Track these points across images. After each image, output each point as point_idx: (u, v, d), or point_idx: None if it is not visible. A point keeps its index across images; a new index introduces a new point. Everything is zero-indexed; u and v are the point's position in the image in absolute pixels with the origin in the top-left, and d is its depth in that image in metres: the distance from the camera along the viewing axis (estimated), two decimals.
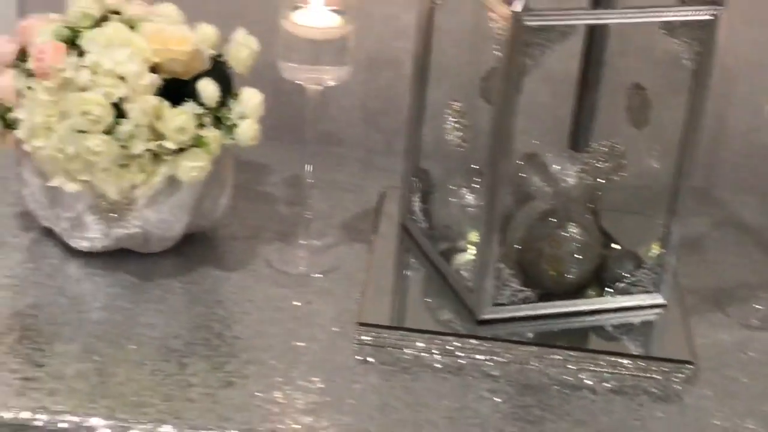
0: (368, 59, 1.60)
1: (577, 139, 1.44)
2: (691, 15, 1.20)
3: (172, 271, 1.35)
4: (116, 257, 1.35)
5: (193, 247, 1.38)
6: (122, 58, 1.25)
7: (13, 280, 1.30)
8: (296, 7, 1.29)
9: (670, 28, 1.20)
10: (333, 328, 1.27)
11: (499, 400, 1.18)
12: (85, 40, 1.27)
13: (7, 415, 1.10)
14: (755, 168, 1.63)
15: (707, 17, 1.20)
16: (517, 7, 1.13)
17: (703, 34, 1.20)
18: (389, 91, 1.63)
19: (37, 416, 1.10)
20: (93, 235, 1.32)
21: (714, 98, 1.53)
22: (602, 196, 1.39)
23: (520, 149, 1.33)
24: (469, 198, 1.34)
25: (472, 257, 1.30)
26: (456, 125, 1.29)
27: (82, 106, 1.23)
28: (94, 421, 1.10)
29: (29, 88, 1.27)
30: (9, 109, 1.29)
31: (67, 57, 1.25)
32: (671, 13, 1.20)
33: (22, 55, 1.29)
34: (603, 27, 1.36)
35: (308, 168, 1.38)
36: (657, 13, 1.20)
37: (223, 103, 1.30)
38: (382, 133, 1.66)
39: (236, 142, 1.30)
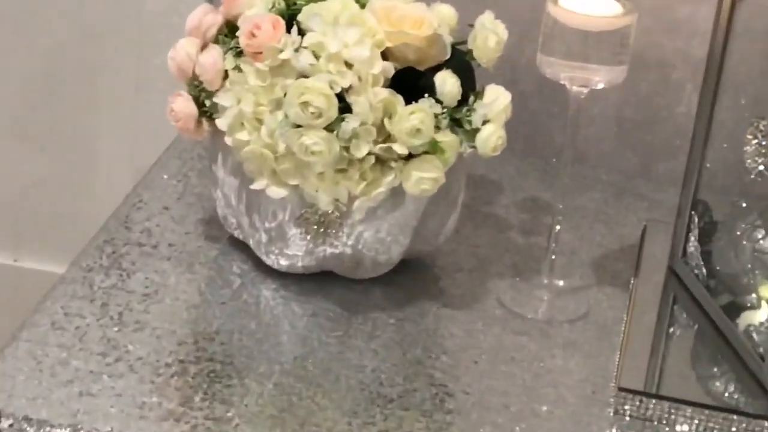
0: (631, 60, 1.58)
1: None
2: None
3: (385, 303, 1.35)
4: (318, 281, 1.35)
5: (410, 277, 1.39)
6: (351, 39, 1.24)
7: (196, 300, 1.32)
8: None
9: None
10: (582, 391, 1.25)
11: None
12: (307, 15, 1.27)
13: None
14: None
15: None
16: None
17: None
18: (651, 100, 1.62)
19: None
20: (294, 252, 1.32)
21: None
22: None
23: None
24: (766, 241, 1.33)
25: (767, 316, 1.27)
26: (761, 149, 1.26)
27: (300, 96, 1.22)
28: None
29: (237, 69, 1.27)
30: (210, 93, 1.29)
31: (284, 35, 1.25)
32: None
33: (229, 30, 1.30)
34: None
35: (560, 194, 1.36)
36: None
37: (463, 102, 1.29)
38: (639, 152, 1.65)
39: (476, 150, 1.29)
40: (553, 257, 1.39)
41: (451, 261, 1.43)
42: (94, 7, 1.76)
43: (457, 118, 1.28)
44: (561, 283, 1.40)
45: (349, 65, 1.24)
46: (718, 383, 1.27)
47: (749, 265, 1.33)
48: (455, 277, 1.40)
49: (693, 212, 1.38)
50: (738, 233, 1.35)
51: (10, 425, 1.12)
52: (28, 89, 1.84)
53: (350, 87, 1.23)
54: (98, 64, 1.79)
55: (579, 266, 1.45)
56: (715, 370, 1.30)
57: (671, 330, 1.38)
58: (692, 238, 1.38)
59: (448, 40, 1.30)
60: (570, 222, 1.50)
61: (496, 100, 1.29)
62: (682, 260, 1.40)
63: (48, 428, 1.11)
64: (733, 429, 1.21)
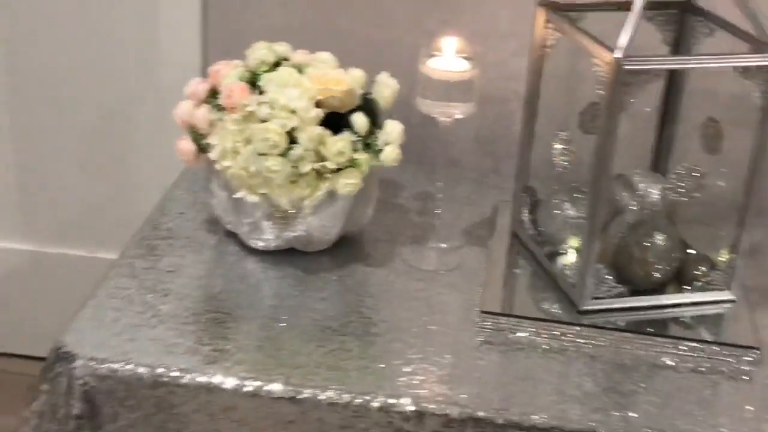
0: (480, 97, 1.55)
1: (659, 163, 1.41)
2: (765, 61, 1.15)
3: (329, 266, 1.32)
4: (285, 255, 1.33)
5: (345, 248, 1.36)
6: (294, 95, 1.23)
7: (204, 271, 1.30)
8: (432, 55, 1.27)
9: (745, 71, 1.15)
10: (460, 314, 1.24)
11: (597, 376, 1.15)
12: (264, 81, 1.26)
13: (202, 380, 1.09)
14: None
15: None
16: (619, 53, 1.11)
17: None
18: (497, 123, 1.59)
19: (227, 381, 1.09)
20: (267, 237, 1.30)
21: None
22: (679, 210, 1.34)
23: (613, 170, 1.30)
24: (571, 210, 1.32)
25: (574, 259, 1.26)
26: (563, 151, 1.25)
27: (262, 134, 1.22)
28: (273, 386, 1.09)
29: (220, 119, 1.26)
30: (203, 136, 1.28)
31: (249, 95, 1.24)
32: (748, 60, 1.16)
33: (213, 93, 1.28)
34: (682, 70, 1.33)
35: (438, 185, 1.35)
36: (736, 59, 1.16)
37: (371, 132, 1.28)
38: (492, 158, 1.61)
39: (382, 163, 1.28)
40: (438, 227, 1.38)
41: (372, 236, 1.40)
42: (133, 80, 1.74)
43: (367, 143, 1.27)
44: (443, 245, 1.38)
45: (293, 112, 1.23)
46: (545, 304, 1.27)
47: (561, 227, 1.32)
48: (375, 246, 1.38)
49: (524, 194, 1.37)
50: (553, 206, 1.34)
51: (82, 364, 1.10)
52: (91, 135, 1.82)
53: (295, 127, 1.23)
54: (135, 120, 1.77)
55: (454, 234, 1.43)
56: (544, 295, 1.28)
57: (516, 271, 1.36)
58: (525, 212, 1.37)
59: (359, 92, 1.30)
60: (448, 205, 1.46)
61: (392, 130, 1.28)
62: (520, 226, 1.38)
63: (107, 364, 1.10)
64: (555, 332, 1.21)
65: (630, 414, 1.09)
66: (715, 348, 1.19)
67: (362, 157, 1.25)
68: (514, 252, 1.37)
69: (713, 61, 1.18)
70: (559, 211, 1.32)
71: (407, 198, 1.52)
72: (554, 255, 1.31)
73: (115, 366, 1.10)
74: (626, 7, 1.12)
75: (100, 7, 1.70)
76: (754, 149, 1.20)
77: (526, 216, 1.37)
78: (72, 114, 1.79)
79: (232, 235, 1.35)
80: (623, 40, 1.10)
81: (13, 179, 1.87)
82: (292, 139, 1.22)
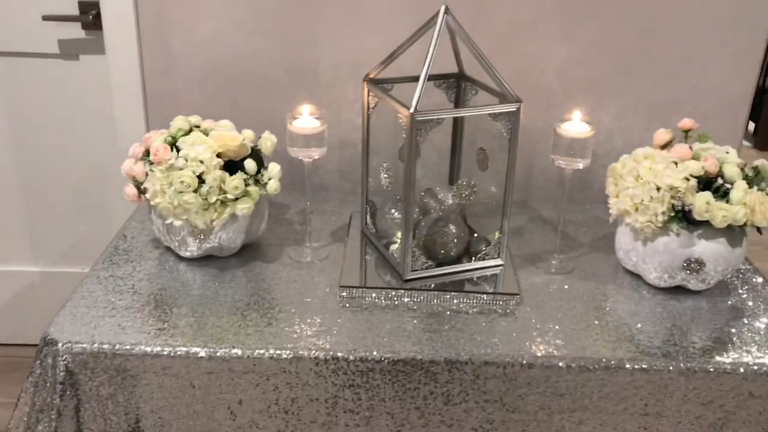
0: (339, 143, 1.57)
1: (452, 178, 1.42)
2: (506, 108, 1.18)
3: (237, 264, 1.31)
4: (205, 260, 1.32)
5: (248, 251, 1.35)
6: (201, 150, 1.23)
7: (149, 275, 1.28)
8: (295, 118, 1.27)
9: (495, 116, 1.18)
10: (326, 290, 1.24)
11: (416, 321, 1.17)
12: (180, 142, 1.25)
13: (149, 350, 1.09)
14: (549, 188, 1.61)
15: (514, 109, 1.18)
16: (412, 110, 1.13)
17: (512, 118, 1.18)
18: (351, 160, 1.58)
19: (165, 349, 1.09)
20: (192, 248, 1.29)
21: (525, 151, 1.56)
22: (467, 208, 1.36)
23: (424, 186, 1.33)
24: (396, 214, 1.33)
25: (399, 246, 1.28)
26: (387, 175, 1.27)
27: (180, 178, 1.21)
28: (196, 349, 1.09)
29: (151, 170, 1.25)
30: (141, 182, 1.27)
31: (170, 152, 1.23)
32: (496, 108, 1.19)
33: (146, 153, 1.28)
34: (458, 118, 1.36)
35: (308, 204, 1.35)
36: (489, 109, 1.19)
37: (258, 171, 1.28)
38: (350, 183, 1.60)
39: (267, 192, 1.28)
40: (311, 232, 1.38)
41: (266, 241, 1.38)
42: (104, 147, 1.71)
43: (256, 179, 1.27)
44: (315, 244, 1.38)
45: (201, 162, 1.22)
46: (383, 277, 1.24)
47: (390, 225, 1.34)
48: (268, 248, 1.36)
49: (367, 206, 1.36)
50: (385, 212, 1.35)
51: (62, 346, 1.09)
52: (78, 184, 1.78)
53: (203, 172, 1.22)
54: (107, 172, 1.74)
55: (324, 236, 1.42)
56: (382, 271, 1.25)
57: (365, 257, 1.33)
58: (368, 217, 1.37)
59: (250, 145, 1.29)
60: (319, 217, 1.48)
61: (273, 169, 1.28)
62: (366, 227, 1.38)
63: (80, 345, 1.08)
64: (390, 295, 1.21)
65: (437, 344, 1.11)
66: (492, 296, 1.21)
67: (253, 189, 1.26)
68: (363, 245, 1.37)
69: (472, 111, 1.19)
70: (389, 215, 1.34)
71: (291, 213, 1.51)
72: (388, 245, 1.32)
73: (85, 345, 1.09)
74: (418, 79, 1.15)
75: (80, 108, 1.70)
76: (508, 166, 1.23)
77: (369, 220, 1.37)
78: (65, 168, 1.76)
79: (169, 249, 1.34)
80: (414, 100, 1.13)
81: (24, 216, 1.83)
82: (201, 179, 1.22)
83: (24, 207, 1.82)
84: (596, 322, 1.18)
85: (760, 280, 1.32)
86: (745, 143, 3.89)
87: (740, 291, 1.28)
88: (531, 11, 1.46)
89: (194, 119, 1.32)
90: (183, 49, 1.51)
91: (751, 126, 3.94)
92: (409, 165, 1.17)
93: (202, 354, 1.08)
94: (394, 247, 1.30)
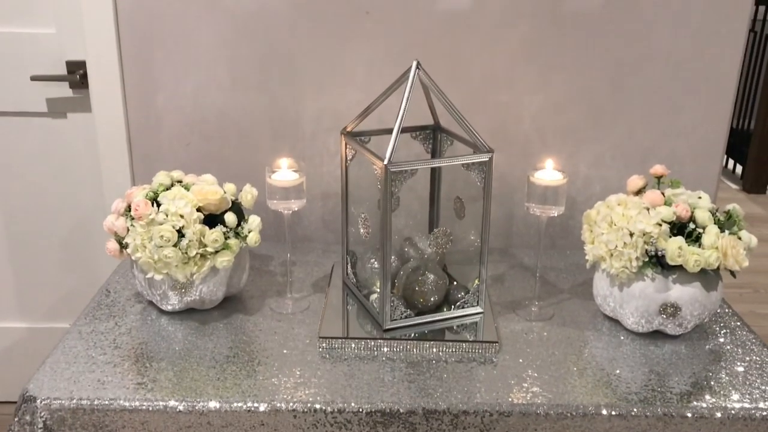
0: (322, 194, 1.59)
1: (432, 226, 1.44)
2: (478, 159, 1.21)
3: (218, 317, 1.32)
4: (186, 313, 1.33)
5: (229, 303, 1.36)
6: (181, 205, 1.25)
7: (131, 329, 1.29)
8: (274, 171, 1.30)
9: (468, 166, 1.21)
10: (306, 341, 1.25)
11: (396, 371, 1.18)
12: (161, 197, 1.27)
13: (127, 404, 1.10)
14: (529, 236, 1.62)
15: (486, 159, 1.21)
16: (386, 161, 1.16)
17: (485, 167, 1.21)
18: (333, 210, 1.60)
19: (144, 404, 1.10)
20: (173, 302, 1.31)
21: (504, 200, 1.58)
22: (447, 256, 1.38)
23: (406, 234, 1.34)
24: (376, 264, 1.34)
25: (378, 295, 1.28)
26: (364, 225, 1.28)
27: (160, 233, 1.22)
28: (174, 403, 1.10)
29: (132, 225, 1.27)
30: (122, 238, 1.28)
31: (151, 207, 1.26)
32: (469, 159, 1.21)
33: (128, 208, 1.30)
34: (435, 168, 1.38)
35: (289, 255, 1.37)
36: (462, 159, 1.21)
37: (239, 224, 1.30)
38: (334, 233, 1.61)
39: (248, 245, 1.29)
40: (292, 283, 1.40)
41: (248, 293, 1.40)
42: (90, 205, 1.74)
43: (237, 232, 1.29)
44: (297, 295, 1.39)
45: (181, 216, 1.24)
46: (364, 327, 1.27)
47: (370, 275, 1.35)
48: (250, 300, 1.37)
49: (348, 256, 1.38)
50: (365, 261, 1.36)
51: (41, 403, 1.09)
52: (64, 240, 1.80)
53: (183, 226, 1.23)
54: (91, 229, 1.76)
55: (305, 286, 1.43)
56: (362, 321, 1.28)
57: (347, 308, 1.34)
58: (349, 267, 1.38)
59: (230, 198, 1.31)
60: (301, 268, 1.50)
61: (253, 221, 1.30)
62: (347, 277, 1.39)
63: (58, 401, 1.09)
64: (369, 345, 1.22)
65: (415, 393, 1.12)
66: (471, 344, 1.22)
67: (233, 242, 1.27)
68: (344, 295, 1.38)
69: (444, 162, 1.21)
70: (369, 265, 1.35)
71: (274, 265, 1.52)
72: (369, 294, 1.32)
73: (64, 401, 1.10)
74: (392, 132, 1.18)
75: (67, 165, 1.72)
76: (483, 214, 1.25)
77: (350, 270, 1.38)
78: (52, 224, 1.78)
79: (151, 303, 1.35)
80: (388, 153, 1.16)
81: (11, 273, 1.84)
82: (181, 234, 1.24)
83: (10, 263, 1.83)
84: (574, 369, 1.19)
85: (738, 323, 1.34)
86: (734, 186, 3.94)
87: (718, 335, 1.30)
88: (505, 63, 1.51)
89: (176, 174, 1.34)
90: (167, 105, 1.55)
91: (739, 169, 4.00)
92: (385, 215, 1.19)
93: (180, 408, 1.09)
94: (374, 296, 1.31)
